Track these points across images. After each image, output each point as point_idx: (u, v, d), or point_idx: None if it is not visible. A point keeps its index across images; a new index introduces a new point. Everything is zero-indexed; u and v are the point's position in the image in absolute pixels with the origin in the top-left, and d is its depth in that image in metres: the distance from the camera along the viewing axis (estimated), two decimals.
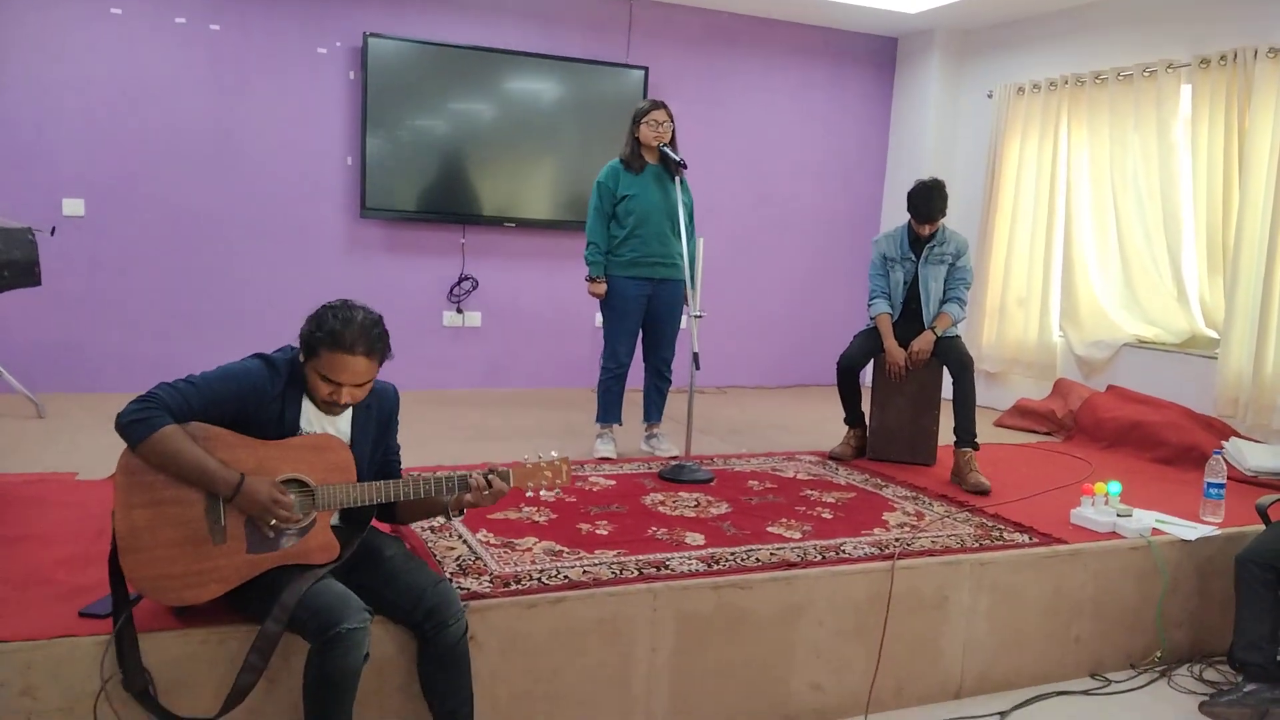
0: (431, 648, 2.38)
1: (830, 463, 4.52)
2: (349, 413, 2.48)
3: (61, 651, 2.24)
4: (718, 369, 6.74)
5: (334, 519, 2.49)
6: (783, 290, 7.06)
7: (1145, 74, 5.46)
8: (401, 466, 2.67)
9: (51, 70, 5.22)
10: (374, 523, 2.59)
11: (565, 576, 2.79)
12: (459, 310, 6.19)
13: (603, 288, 4.48)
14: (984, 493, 4.05)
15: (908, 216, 4.48)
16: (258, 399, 2.33)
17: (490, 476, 2.48)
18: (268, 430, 2.34)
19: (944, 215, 4.41)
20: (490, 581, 2.72)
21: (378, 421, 2.54)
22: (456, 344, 6.23)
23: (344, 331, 2.31)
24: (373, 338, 2.36)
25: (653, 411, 4.66)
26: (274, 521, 2.28)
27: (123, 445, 2.23)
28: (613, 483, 3.95)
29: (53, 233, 4.93)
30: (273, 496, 2.26)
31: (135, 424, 2.18)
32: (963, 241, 4.52)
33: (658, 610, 2.77)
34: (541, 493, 2.59)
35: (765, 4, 6.39)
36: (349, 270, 5.85)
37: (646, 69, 6.31)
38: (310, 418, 2.42)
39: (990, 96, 6.50)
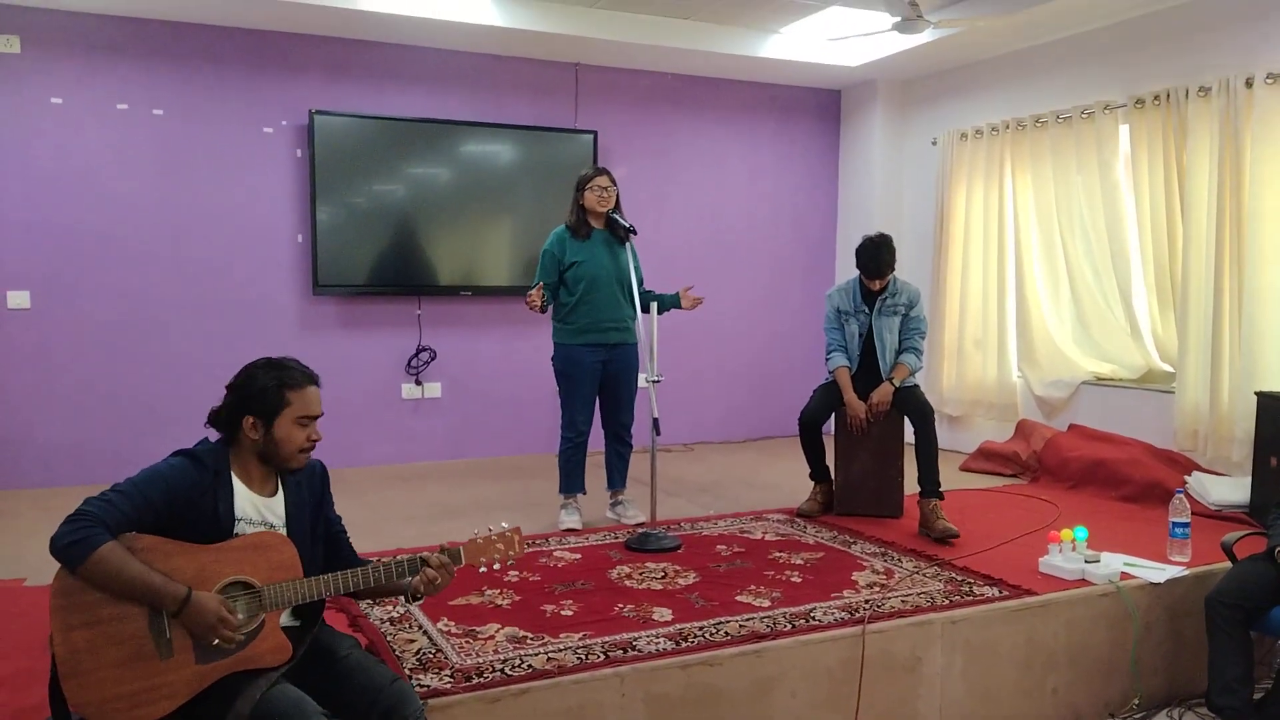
0: None
1: (798, 520, 4.49)
2: (280, 493, 2.43)
3: None
4: (682, 426, 6.71)
5: (285, 617, 2.42)
6: (743, 343, 7.07)
7: (1083, 115, 5.57)
8: (348, 536, 2.63)
9: None
10: (330, 614, 2.51)
11: (529, 665, 2.72)
12: (418, 382, 6.13)
13: (537, 294, 4.27)
14: (954, 537, 4.03)
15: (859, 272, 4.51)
16: (188, 495, 2.27)
17: (439, 557, 2.44)
18: (203, 526, 2.27)
19: (892, 269, 4.44)
20: (451, 676, 2.64)
21: (310, 496, 2.50)
22: (417, 416, 6.16)
23: (296, 369, 2.40)
24: (309, 368, 2.45)
25: (616, 478, 4.61)
26: (216, 641, 2.21)
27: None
28: (578, 556, 3.88)
29: None
30: (220, 615, 2.19)
31: (72, 546, 2.11)
32: (914, 292, 4.55)
33: (626, 695, 2.70)
34: (495, 566, 2.51)
35: (708, 64, 6.47)
36: (304, 349, 5.72)
37: (595, 133, 6.34)
38: (245, 506, 2.36)
39: (934, 143, 6.59)
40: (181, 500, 2.26)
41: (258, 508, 2.38)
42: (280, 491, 2.44)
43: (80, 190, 5.33)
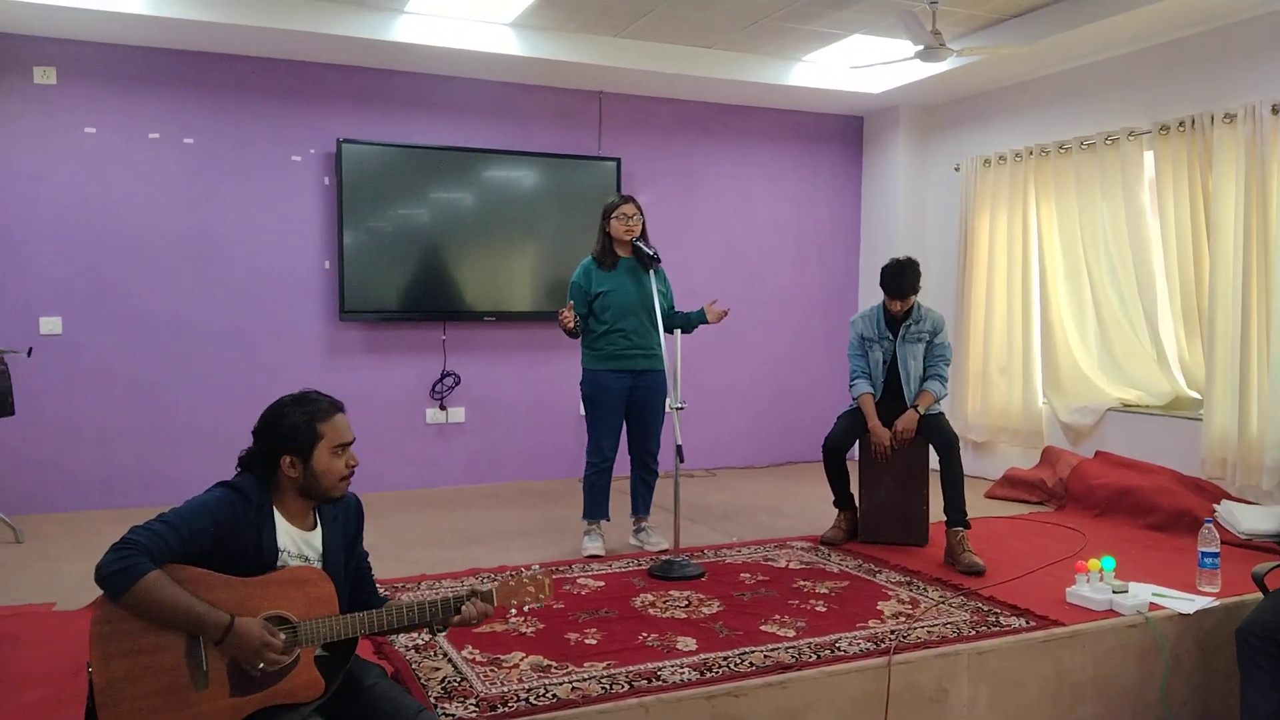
0: None
1: (822, 548, 4.47)
2: (319, 528, 2.45)
3: None
4: (706, 451, 6.71)
5: (318, 649, 2.43)
6: (766, 369, 7.07)
7: (1107, 142, 5.56)
8: (373, 573, 2.63)
9: (26, 189, 5.25)
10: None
11: (554, 695, 2.72)
12: (442, 407, 6.17)
13: (569, 310, 4.34)
14: (979, 573, 4.00)
15: (883, 295, 4.50)
16: (233, 527, 2.29)
17: (473, 600, 2.44)
18: (247, 559, 2.29)
19: (916, 291, 4.43)
20: (476, 705, 2.65)
21: (345, 531, 2.52)
22: (441, 441, 6.19)
23: (320, 400, 2.42)
24: (332, 396, 2.48)
25: (640, 505, 4.61)
26: (261, 666, 2.22)
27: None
28: (601, 584, 3.88)
29: (29, 354, 4.91)
30: (264, 639, 2.21)
31: (118, 574, 2.12)
32: (939, 319, 4.54)
33: None
34: (526, 609, 2.52)
35: (732, 91, 6.51)
36: (330, 374, 5.81)
37: (619, 160, 6.39)
38: (285, 540, 2.38)
39: (957, 169, 6.60)
40: (227, 533, 2.28)
41: (297, 542, 2.41)
42: (319, 526, 2.47)
43: (112, 217, 5.42)
